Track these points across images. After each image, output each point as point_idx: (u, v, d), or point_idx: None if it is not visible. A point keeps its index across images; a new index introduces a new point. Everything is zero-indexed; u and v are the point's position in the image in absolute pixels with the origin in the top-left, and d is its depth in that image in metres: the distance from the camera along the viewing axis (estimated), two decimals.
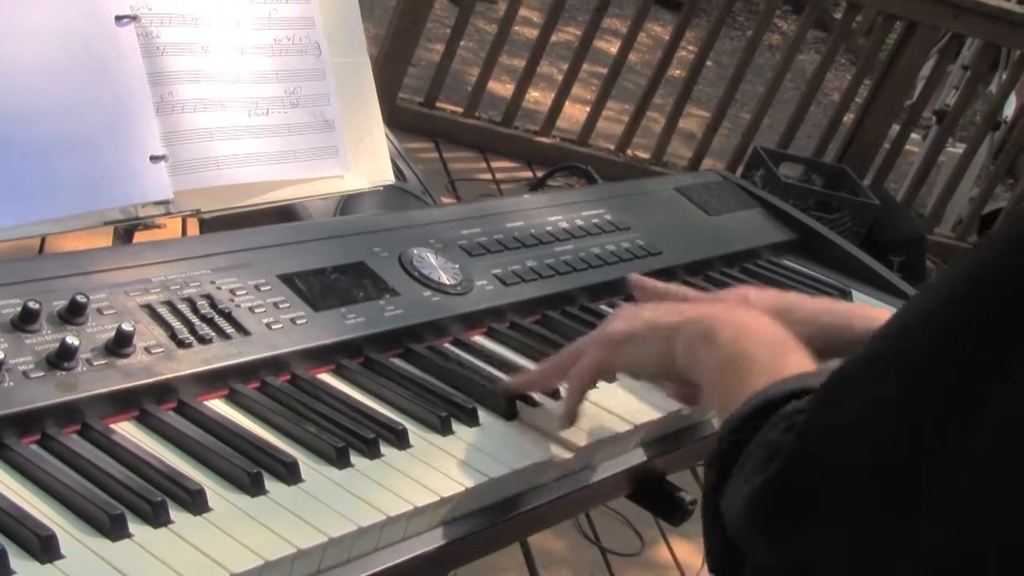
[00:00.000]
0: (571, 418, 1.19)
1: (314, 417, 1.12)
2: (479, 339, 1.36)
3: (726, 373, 1.03)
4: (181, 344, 1.12)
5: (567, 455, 1.19)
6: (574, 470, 1.20)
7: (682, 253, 1.63)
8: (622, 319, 1.18)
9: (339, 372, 1.22)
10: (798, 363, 1.00)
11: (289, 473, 1.04)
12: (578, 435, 1.20)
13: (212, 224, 1.43)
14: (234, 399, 1.14)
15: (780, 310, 1.18)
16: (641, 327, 1.15)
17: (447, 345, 1.32)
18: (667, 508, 1.34)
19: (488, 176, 4.83)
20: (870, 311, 1.29)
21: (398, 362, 1.26)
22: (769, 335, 1.05)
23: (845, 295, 1.70)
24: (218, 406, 1.12)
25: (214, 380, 1.13)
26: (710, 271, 1.66)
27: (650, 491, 1.32)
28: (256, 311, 1.20)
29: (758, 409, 0.91)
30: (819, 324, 1.20)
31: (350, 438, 1.10)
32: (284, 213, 1.50)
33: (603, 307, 1.49)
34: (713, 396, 1.05)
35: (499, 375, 1.27)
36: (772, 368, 0.98)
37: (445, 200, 3.12)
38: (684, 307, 1.16)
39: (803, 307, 1.24)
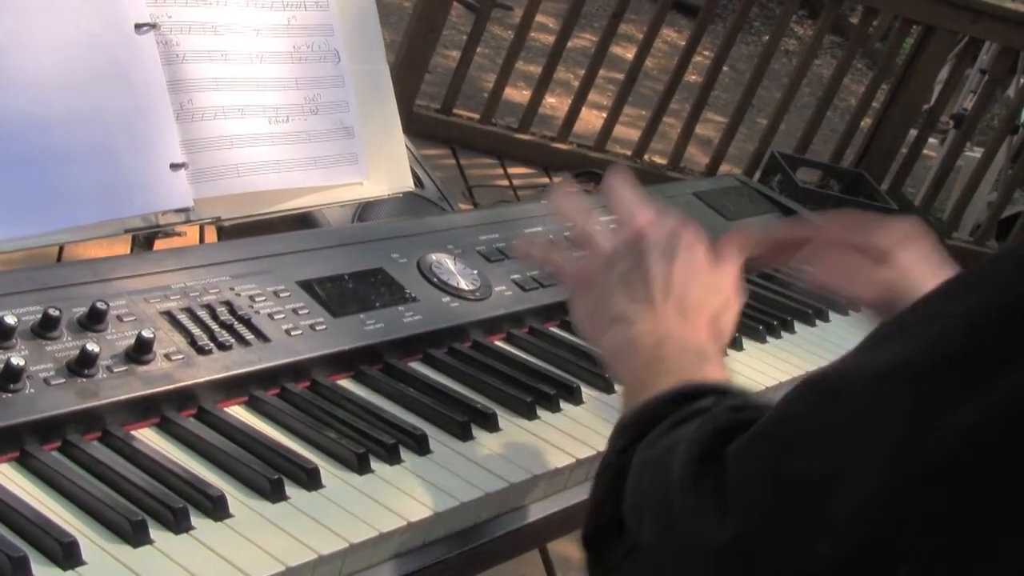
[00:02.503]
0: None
1: (334, 423, 1.12)
2: (499, 344, 1.36)
3: (625, 395, 0.98)
4: (201, 351, 1.12)
5: (587, 455, 1.18)
6: (592, 475, 1.19)
7: None
8: (605, 255, 1.09)
9: (359, 378, 1.22)
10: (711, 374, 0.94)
11: (310, 479, 1.04)
12: (595, 439, 1.20)
13: (231, 231, 1.43)
14: (254, 405, 1.14)
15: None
16: (593, 287, 1.07)
17: (467, 349, 1.31)
18: None
19: (505, 182, 4.83)
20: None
21: (418, 367, 1.26)
22: (691, 343, 0.99)
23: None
24: (238, 412, 1.12)
25: (234, 387, 1.13)
26: None
27: None
28: (275, 317, 1.20)
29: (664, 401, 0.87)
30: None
31: (370, 444, 1.10)
32: (302, 220, 1.50)
33: None
34: (625, 400, 0.98)
35: (519, 378, 1.26)
36: (683, 375, 0.93)
37: (462, 207, 3.12)
38: (648, 291, 1.04)
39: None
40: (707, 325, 1.04)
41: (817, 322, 1.63)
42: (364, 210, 1.59)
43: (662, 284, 1.04)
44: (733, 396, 0.88)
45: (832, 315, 1.66)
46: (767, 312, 1.58)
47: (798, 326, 1.60)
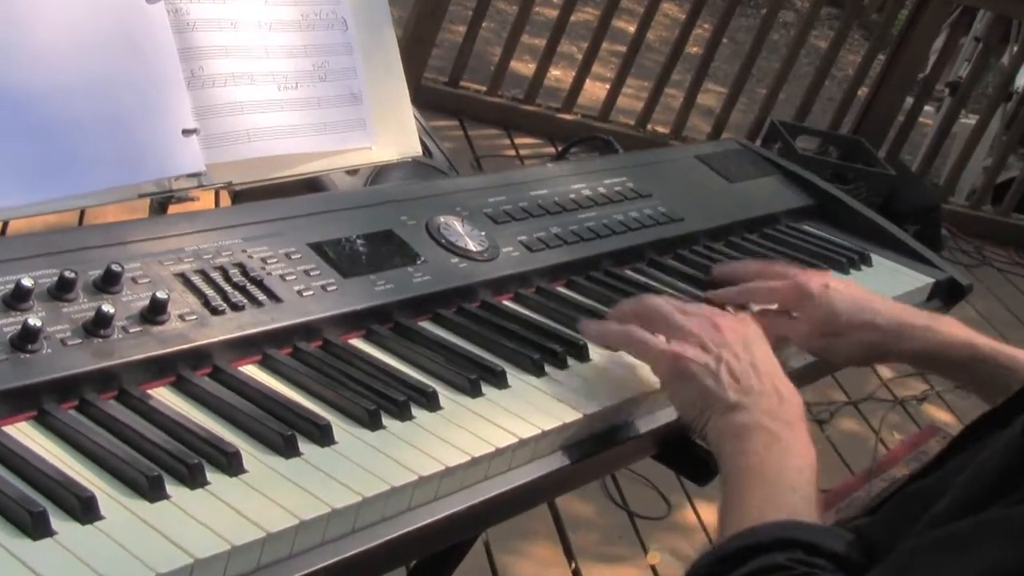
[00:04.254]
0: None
1: (346, 381, 1.11)
2: (507, 303, 1.35)
3: (736, 480, 1.06)
4: (215, 311, 1.11)
5: (595, 410, 1.17)
6: (596, 431, 1.19)
7: (703, 219, 1.62)
8: (698, 341, 1.17)
9: (369, 337, 1.21)
10: (799, 501, 1.02)
11: (323, 435, 1.03)
12: (603, 395, 1.20)
13: (243, 195, 1.42)
14: (268, 364, 1.13)
15: (855, 309, 1.30)
16: (700, 372, 1.14)
17: (475, 309, 1.30)
18: (693, 468, 1.30)
19: (512, 152, 4.81)
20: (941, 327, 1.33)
21: (427, 326, 1.25)
22: (793, 457, 1.07)
23: (864, 258, 1.68)
24: (252, 371, 1.11)
25: (248, 346, 1.12)
26: (731, 236, 1.65)
27: (675, 451, 1.30)
28: (287, 279, 1.19)
29: (740, 551, 0.93)
30: (894, 325, 1.31)
31: (382, 401, 1.09)
32: (313, 185, 1.48)
33: (627, 271, 1.48)
34: (723, 488, 1.08)
35: (527, 336, 1.26)
36: (772, 498, 1.01)
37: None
38: (749, 381, 1.14)
39: (880, 305, 1.33)
40: (798, 407, 1.13)
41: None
42: (375, 177, 1.57)
43: (760, 372, 1.15)
44: (830, 552, 0.93)
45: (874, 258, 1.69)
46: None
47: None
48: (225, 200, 1.44)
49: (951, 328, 1.33)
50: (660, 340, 1.19)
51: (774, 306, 1.39)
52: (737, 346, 1.17)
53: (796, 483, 1.04)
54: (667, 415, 1.25)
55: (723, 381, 1.14)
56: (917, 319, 1.34)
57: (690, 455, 1.29)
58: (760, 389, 1.14)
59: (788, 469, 1.06)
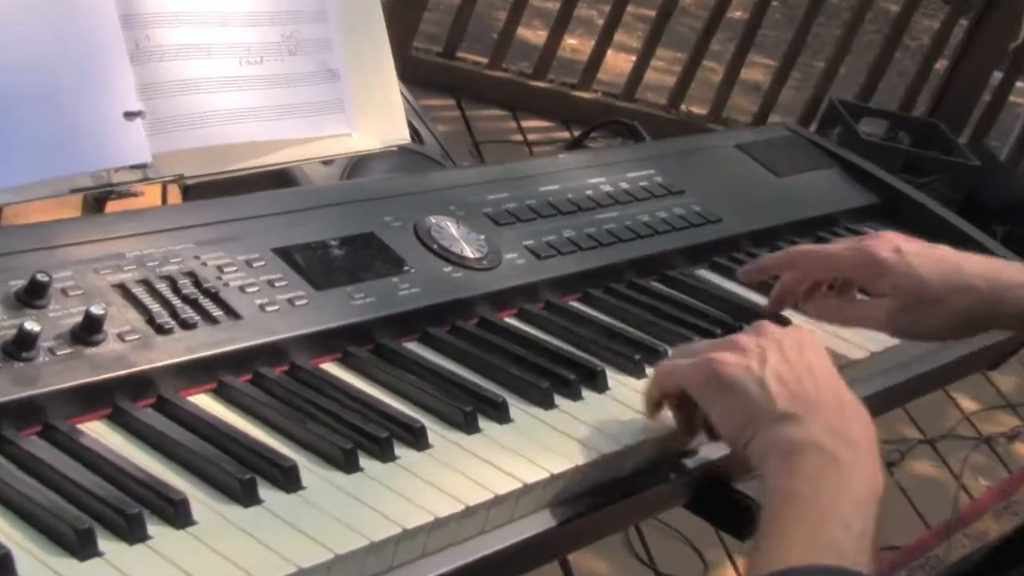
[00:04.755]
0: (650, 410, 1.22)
1: (316, 413, 1.11)
2: (510, 320, 1.35)
3: (778, 505, 1.05)
4: (160, 330, 1.11)
5: (614, 449, 1.17)
6: (615, 475, 1.19)
7: (745, 220, 1.62)
8: (736, 344, 1.17)
9: (345, 361, 1.22)
10: (852, 543, 1.01)
11: (287, 479, 1.03)
12: (624, 432, 1.20)
13: (196, 191, 1.42)
14: (223, 393, 1.13)
15: (944, 271, 1.31)
16: (742, 377, 1.14)
17: (472, 327, 1.31)
18: (732, 519, 1.30)
19: (519, 137, 4.83)
20: None
21: (415, 348, 1.26)
22: (853, 486, 1.06)
23: None
24: (204, 402, 1.12)
25: (199, 371, 1.12)
26: (779, 241, 1.64)
27: (712, 500, 1.29)
28: (248, 291, 1.19)
29: None
30: (990, 285, 1.33)
31: (359, 437, 1.09)
32: (280, 179, 1.49)
33: (654, 283, 1.49)
34: (762, 513, 1.07)
35: (534, 360, 1.26)
36: (820, 535, 1.01)
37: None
38: (803, 387, 1.14)
39: (970, 264, 1.34)
40: (865, 425, 1.12)
41: None
42: (353, 169, 1.58)
43: (817, 379, 1.14)
44: None
45: None
46: None
47: None
48: (175, 196, 1.44)
49: None
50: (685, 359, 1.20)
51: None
52: (788, 348, 1.17)
53: (852, 519, 1.03)
54: (702, 456, 1.25)
55: (770, 388, 1.13)
56: (1013, 274, 1.35)
57: (729, 504, 1.29)
58: (817, 399, 1.13)
59: (844, 500, 1.05)
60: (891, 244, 1.36)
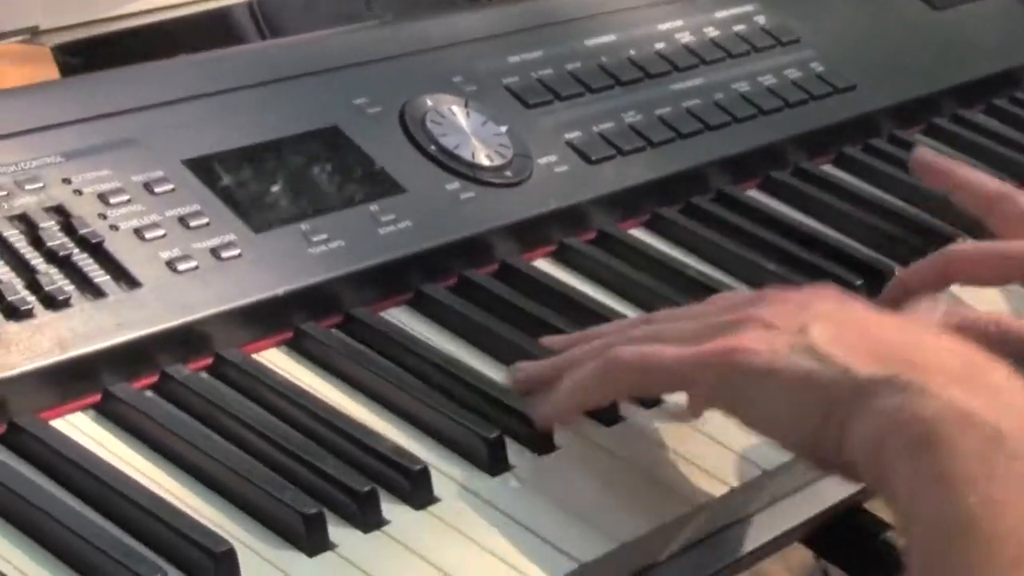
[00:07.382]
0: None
1: (247, 436, 1.01)
2: (544, 266, 1.28)
3: (926, 521, 0.93)
4: (13, 313, 1.02)
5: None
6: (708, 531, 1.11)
7: (889, 86, 1.59)
8: (748, 317, 1.08)
9: (297, 346, 1.13)
10: None
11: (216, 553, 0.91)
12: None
13: (69, 64, 1.35)
14: (106, 410, 1.04)
15: None
16: (783, 356, 1.03)
17: (489, 280, 1.23)
18: (868, 560, 1.27)
19: None
20: None
21: (405, 319, 1.18)
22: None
23: None
24: (82, 424, 1.03)
25: (73, 378, 1.03)
26: (937, 118, 1.62)
27: (838, 533, 1.26)
28: (147, 236, 1.10)
29: None
30: None
31: (325, 488, 0.99)
32: (198, 31, 1.41)
33: (754, 194, 1.42)
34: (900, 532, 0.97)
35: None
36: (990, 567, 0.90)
37: None
38: (883, 336, 1.05)
39: None
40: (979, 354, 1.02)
41: None
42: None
43: (890, 326, 1.08)
44: None
45: None
46: None
47: None
48: (45, 72, 1.35)
49: None
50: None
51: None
52: (820, 308, 1.07)
53: None
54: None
55: (834, 356, 1.02)
56: None
57: (861, 537, 1.26)
58: (916, 346, 1.03)
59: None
60: None
